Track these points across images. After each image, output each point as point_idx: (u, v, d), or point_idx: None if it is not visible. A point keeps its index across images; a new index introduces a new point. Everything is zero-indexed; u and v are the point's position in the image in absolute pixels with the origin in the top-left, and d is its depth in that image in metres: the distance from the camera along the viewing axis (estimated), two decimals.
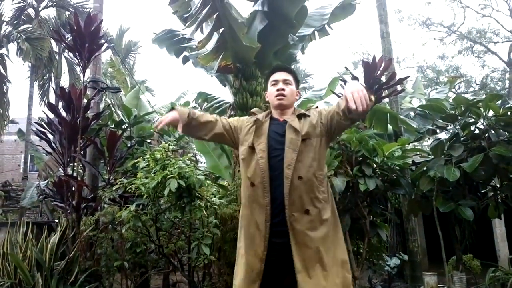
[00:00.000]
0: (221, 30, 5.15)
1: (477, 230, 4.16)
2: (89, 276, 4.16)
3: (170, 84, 45.91)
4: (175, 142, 4.24)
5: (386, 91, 5.55)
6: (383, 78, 5.30)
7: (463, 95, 18.68)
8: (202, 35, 5.63)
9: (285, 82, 2.08)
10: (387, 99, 6.19)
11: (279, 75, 2.10)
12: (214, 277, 4.15)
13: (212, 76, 5.99)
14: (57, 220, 6.49)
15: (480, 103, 3.93)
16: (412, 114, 6.95)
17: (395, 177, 3.96)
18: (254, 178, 1.96)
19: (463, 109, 4.06)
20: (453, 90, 17.47)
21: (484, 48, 18.94)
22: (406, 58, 23.84)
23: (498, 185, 4.10)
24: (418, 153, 4.90)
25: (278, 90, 2.05)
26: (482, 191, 4.25)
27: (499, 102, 4.03)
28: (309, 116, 2.07)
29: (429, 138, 7.93)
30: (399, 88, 5.68)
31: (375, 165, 3.79)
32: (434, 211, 3.99)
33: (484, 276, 4.00)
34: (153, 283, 5.82)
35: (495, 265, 4.26)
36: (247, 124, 2.13)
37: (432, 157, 4.22)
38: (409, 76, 5.71)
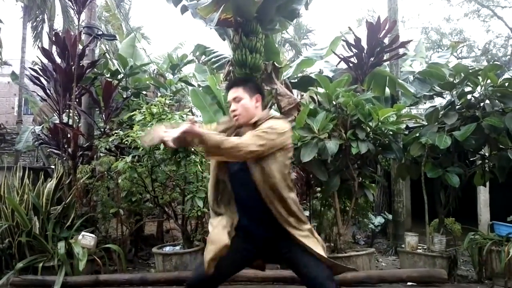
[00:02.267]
0: None
1: (461, 196, 4.30)
2: (85, 221, 4.30)
3: (167, 33, 44.37)
4: (171, 96, 4.22)
5: (388, 54, 5.49)
6: (386, 40, 5.21)
7: (464, 59, 18.44)
8: None
9: (235, 100, 1.99)
10: (387, 62, 6.11)
11: (229, 95, 2.02)
12: (206, 226, 4.32)
13: (211, 28, 5.81)
14: (53, 166, 6.59)
15: (479, 73, 3.90)
16: (411, 78, 6.90)
17: (387, 142, 4.02)
18: None
19: (462, 76, 4.04)
20: (455, 54, 17.19)
21: (491, 12, 18.41)
22: (411, 18, 23.18)
23: (487, 154, 4.19)
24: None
25: (231, 111, 1.99)
26: (471, 159, 4.34)
27: (498, 72, 4.01)
28: None
29: (425, 103, 7.95)
30: (401, 51, 5.60)
31: (369, 129, 3.83)
32: (421, 176, 4.10)
33: (464, 239, 4.18)
34: (147, 229, 6.06)
35: (475, 229, 4.45)
36: None
37: (426, 123, 4.27)
38: (411, 40, 5.60)
